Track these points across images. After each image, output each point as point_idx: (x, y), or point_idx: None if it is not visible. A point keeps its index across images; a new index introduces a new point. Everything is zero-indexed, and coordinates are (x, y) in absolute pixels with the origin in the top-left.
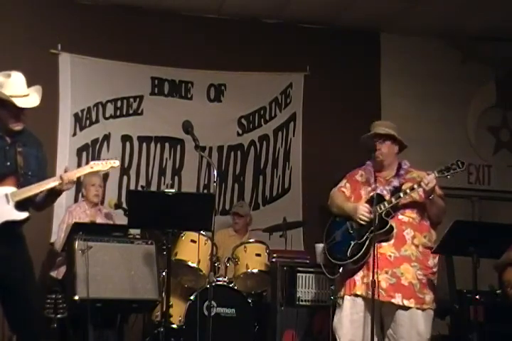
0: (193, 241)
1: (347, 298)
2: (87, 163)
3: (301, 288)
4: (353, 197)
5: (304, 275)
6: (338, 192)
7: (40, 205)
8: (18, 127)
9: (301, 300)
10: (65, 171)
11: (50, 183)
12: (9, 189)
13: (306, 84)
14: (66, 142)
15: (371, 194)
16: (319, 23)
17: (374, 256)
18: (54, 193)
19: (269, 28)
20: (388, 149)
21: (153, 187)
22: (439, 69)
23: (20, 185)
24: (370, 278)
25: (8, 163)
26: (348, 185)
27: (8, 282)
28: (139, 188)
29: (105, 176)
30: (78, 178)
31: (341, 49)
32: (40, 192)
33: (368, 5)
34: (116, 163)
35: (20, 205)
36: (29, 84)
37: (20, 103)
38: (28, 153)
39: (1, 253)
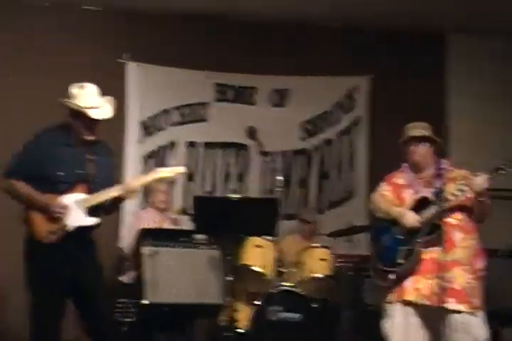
0: (257, 246)
1: (397, 304)
2: (152, 166)
3: (367, 293)
4: (396, 200)
5: (369, 279)
6: (380, 197)
7: (108, 211)
8: (90, 137)
9: (368, 305)
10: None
11: (116, 191)
12: (80, 196)
13: (372, 87)
14: (133, 149)
15: (416, 197)
16: (383, 26)
17: (420, 261)
18: (119, 200)
19: (332, 32)
20: (425, 151)
21: (219, 193)
22: (508, 69)
23: (90, 191)
24: (421, 283)
25: (80, 171)
26: (389, 188)
27: (80, 286)
28: (205, 194)
29: (171, 182)
30: (146, 185)
31: (407, 51)
32: (108, 199)
33: (433, 6)
34: (182, 170)
35: (91, 211)
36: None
37: (94, 114)
38: (99, 161)
39: (74, 257)
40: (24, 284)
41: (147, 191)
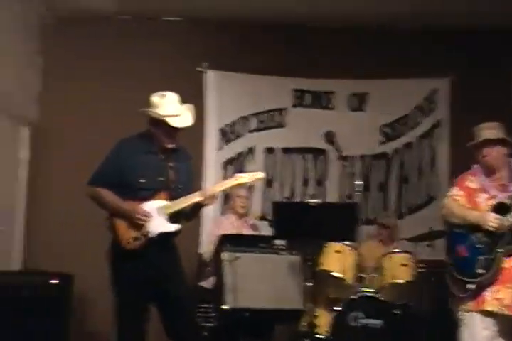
0: (337, 251)
1: (476, 313)
2: (231, 172)
3: (450, 299)
4: (470, 205)
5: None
6: (453, 201)
7: (189, 217)
8: (171, 145)
9: (451, 311)
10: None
11: (196, 197)
12: (162, 202)
13: (452, 89)
14: (212, 156)
15: (493, 203)
16: (463, 26)
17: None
18: (199, 206)
19: (412, 33)
20: (498, 153)
21: (297, 198)
22: None
23: (171, 198)
24: (502, 293)
25: (161, 178)
26: (461, 192)
27: (164, 291)
28: (283, 199)
29: (250, 188)
30: (225, 190)
31: (486, 51)
32: (188, 205)
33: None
34: (261, 175)
35: (172, 218)
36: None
37: (174, 123)
38: (179, 167)
39: (157, 263)
40: (110, 288)
41: (227, 196)
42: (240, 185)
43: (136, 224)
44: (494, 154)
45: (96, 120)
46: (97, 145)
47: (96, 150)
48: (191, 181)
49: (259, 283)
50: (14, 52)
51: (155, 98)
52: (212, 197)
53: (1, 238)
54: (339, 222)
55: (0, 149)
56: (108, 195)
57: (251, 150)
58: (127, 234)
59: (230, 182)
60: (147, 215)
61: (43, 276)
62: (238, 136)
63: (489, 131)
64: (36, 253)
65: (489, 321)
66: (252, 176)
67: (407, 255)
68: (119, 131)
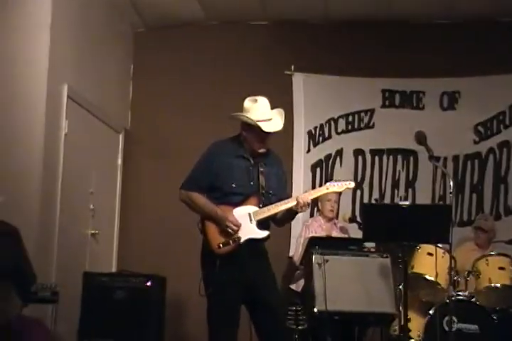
0: (429, 254)
1: None
2: (320, 178)
3: None
4: None
5: None
6: None
7: (280, 222)
8: (262, 150)
9: None
10: (305, 193)
11: (287, 204)
12: (252, 208)
13: None
14: (301, 159)
15: None
16: None
17: None
18: (291, 213)
19: (502, 27)
20: None
21: (387, 200)
22: None
23: (261, 203)
24: None
25: (252, 183)
26: None
27: (256, 294)
28: (373, 201)
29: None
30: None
31: None
32: (278, 212)
33: None
34: (352, 185)
35: (261, 224)
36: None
37: (266, 127)
38: (270, 172)
39: (248, 267)
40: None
41: (316, 199)
42: (331, 194)
43: (227, 230)
44: None
45: (186, 125)
46: (187, 149)
47: (186, 155)
48: (282, 186)
49: (349, 285)
50: (109, 61)
51: (247, 102)
52: (305, 205)
53: (99, 241)
54: (432, 224)
55: (102, 156)
56: (200, 199)
57: (339, 152)
58: (218, 239)
59: (322, 191)
60: (237, 225)
61: (137, 278)
62: (326, 138)
63: None
64: (129, 255)
65: None
66: (343, 185)
67: (504, 258)
68: (209, 136)
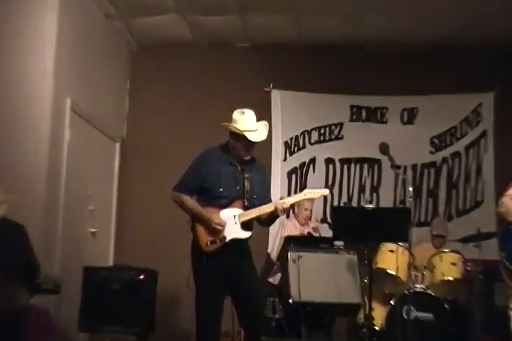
0: (391, 251)
1: None
2: (296, 184)
3: (497, 295)
4: None
5: (499, 282)
6: (511, 200)
7: (265, 223)
8: (247, 157)
9: (498, 307)
10: (281, 198)
11: (268, 209)
12: (237, 211)
13: (496, 102)
14: (278, 166)
15: None
16: (506, 44)
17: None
18: (273, 215)
19: (458, 50)
20: None
21: (354, 203)
22: None
23: (245, 207)
24: None
25: (238, 188)
26: None
27: (238, 285)
28: (342, 204)
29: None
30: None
31: None
32: (260, 215)
33: None
34: (326, 192)
35: (245, 225)
36: None
37: (252, 137)
38: (254, 178)
39: (233, 262)
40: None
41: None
42: (307, 200)
43: (213, 229)
44: None
45: (176, 135)
46: (178, 156)
47: (176, 161)
48: (265, 191)
49: (320, 279)
50: (108, 77)
51: (235, 114)
52: (284, 210)
53: (98, 238)
54: (393, 225)
55: (100, 162)
56: (189, 201)
57: (312, 161)
58: (206, 237)
59: (300, 197)
60: (222, 225)
61: (131, 272)
62: (301, 148)
63: None
64: (124, 251)
65: None
66: (319, 192)
67: (456, 255)
68: (198, 144)
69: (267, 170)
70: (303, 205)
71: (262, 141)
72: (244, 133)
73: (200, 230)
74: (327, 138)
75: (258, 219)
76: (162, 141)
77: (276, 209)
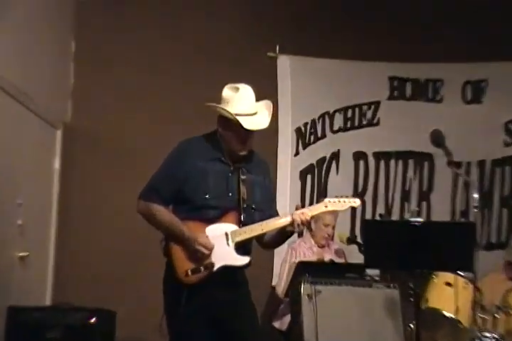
0: (448, 284)
1: None
2: (312, 189)
3: None
4: None
5: None
6: None
7: (269, 244)
8: (243, 152)
9: None
10: (296, 209)
11: (279, 223)
12: (230, 227)
13: None
14: (287, 163)
15: None
16: None
17: None
18: (284, 234)
19: None
20: None
21: (395, 216)
22: None
23: (242, 221)
24: None
25: (230, 194)
26: None
27: (230, 331)
28: (377, 217)
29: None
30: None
31: None
32: (264, 233)
33: None
34: (357, 203)
35: (241, 247)
36: None
37: (249, 124)
38: (253, 181)
39: (222, 299)
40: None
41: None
42: (329, 213)
43: (197, 253)
44: None
45: (144, 119)
46: (146, 149)
47: (144, 157)
48: (269, 200)
49: (346, 323)
50: (45, 37)
51: (226, 91)
52: (304, 223)
53: (29, 266)
54: (451, 246)
55: (34, 158)
56: (163, 214)
57: (336, 156)
58: (185, 264)
59: (319, 209)
60: (209, 247)
61: (78, 313)
62: (320, 138)
63: None
64: (68, 284)
65: None
66: (345, 203)
67: None
68: (174, 133)
69: (271, 170)
70: (323, 220)
71: (265, 129)
72: (239, 118)
73: (178, 254)
74: (356, 124)
75: (260, 238)
76: (122, 127)
77: (293, 221)
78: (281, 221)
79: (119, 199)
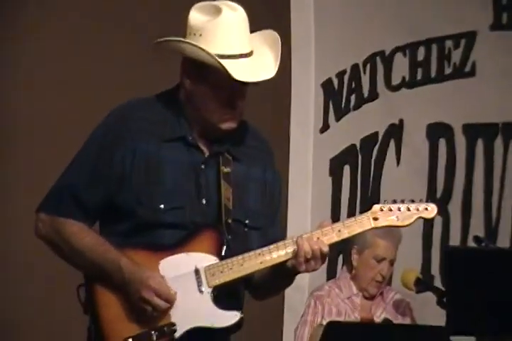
0: None
1: None
2: (351, 188)
3: None
4: None
5: None
6: None
7: (263, 290)
8: (230, 124)
9: None
10: (321, 226)
11: (278, 253)
12: (203, 259)
13: None
14: (307, 146)
15: None
16: None
17: None
18: (285, 271)
19: None
20: None
21: (505, 240)
22: None
23: (224, 248)
24: None
25: (204, 201)
26: None
27: None
28: (472, 243)
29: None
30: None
31: None
32: (259, 270)
33: None
34: (433, 212)
35: (223, 295)
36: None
37: (239, 73)
38: (245, 176)
39: None
40: None
41: (345, 244)
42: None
43: (144, 307)
44: None
45: (71, 95)
46: (54, 132)
47: (51, 142)
48: (273, 210)
49: None
50: None
51: (196, 16)
52: (315, 257)
53: None
54: None
55: None
56: (84, 237)
57: (396, 131)
58: (123, 328)
59: (365, 225)
60: (167, 297)
61: None
62: (366, 100)
63: None
64: None
65: None
66: (410, 214)
67: None
68: (95, 105)
69: (280, 158)
70: (372, 248)
71: (269, 83)
72: (223, 61)
73: (111, 310)
74: (433, 75)
75: (249, 280)
76: (19, 103)
77: (296, 255)
78: (281, 248)
79: (8, 209)
